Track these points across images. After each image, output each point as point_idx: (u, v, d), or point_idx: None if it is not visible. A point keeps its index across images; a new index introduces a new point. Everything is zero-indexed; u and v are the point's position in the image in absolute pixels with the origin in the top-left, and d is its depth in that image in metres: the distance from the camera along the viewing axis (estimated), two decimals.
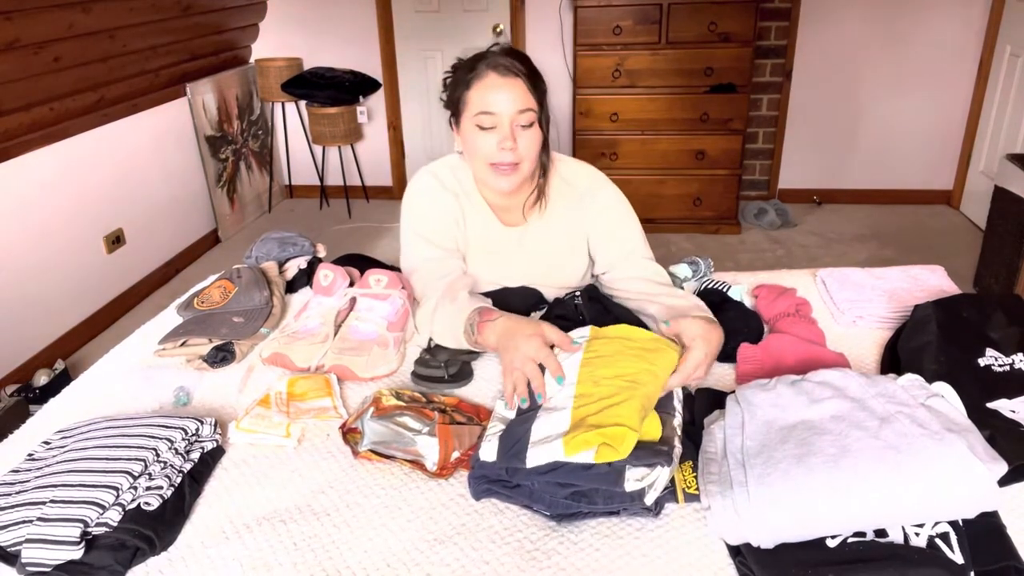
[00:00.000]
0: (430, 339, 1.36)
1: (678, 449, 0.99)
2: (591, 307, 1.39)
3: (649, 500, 0.93)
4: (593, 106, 4.01)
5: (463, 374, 1.30)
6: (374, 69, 4.58)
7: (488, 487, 0.99)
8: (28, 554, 0.89)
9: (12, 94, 2.79)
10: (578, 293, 1.44)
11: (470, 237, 1.52)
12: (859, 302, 1.45)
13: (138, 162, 3.63)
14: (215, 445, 1.12)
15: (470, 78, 1.37)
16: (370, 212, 4.70)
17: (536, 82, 1.37)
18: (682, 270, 1.60)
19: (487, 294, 1.47)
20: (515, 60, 1.36)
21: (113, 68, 3.33)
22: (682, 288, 1.53)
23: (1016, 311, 1.23)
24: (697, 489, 0.98)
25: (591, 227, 1.51)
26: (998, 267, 3.06)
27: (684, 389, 1.17)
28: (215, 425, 1.13)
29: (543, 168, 1.46)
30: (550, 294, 1.54)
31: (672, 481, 0.99)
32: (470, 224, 1.52)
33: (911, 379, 1.00)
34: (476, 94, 1.35)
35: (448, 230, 1.50)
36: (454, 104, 1.41)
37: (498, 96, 1.34)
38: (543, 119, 1.39)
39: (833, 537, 0.85)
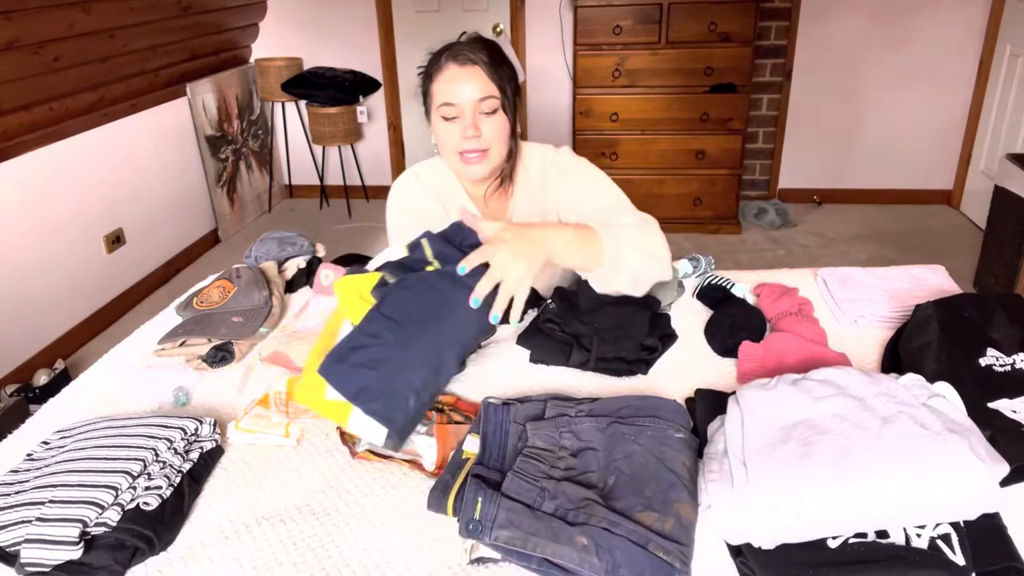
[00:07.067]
0: None
1: None
2: (560, 306, 1.37)
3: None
4: (593, 106, 4.01)
5: None
6: (374, 69, 4.58)
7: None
8: (27, 554, 0.89)
9: (12, 94, 2.79)
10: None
11: None
12: (860, 302, 1.45)
13: (138, 162, 3.63)
14: (214, 445, 1.11)
15: (433, 71, 1.38)
16: (370, 212, 4.70)
17: (497, 68, 1.37)
18: (683, 266, 1.61)
19: None
20: (475, 48, 1.36)
21: (113, 68, 3.33)
22: (682, 285, 1.53)
23: (1017, 311, 1.22)
24: None
25: (559, 207, 1.49)
26: (998, 267, 3.06)
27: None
28: (214, 425, 1.13)
29: (508, 153, 1.45)
30: (544, 290, 1.53)
31: None
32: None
33: (912, 379, 1.00)
34: (438, 86, 1.37)
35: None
36: (424, 97, 1.43)
37: (458, 86, 1.35)
38: (507, 105, 1.38)
39: (834, 538, 0.85)
